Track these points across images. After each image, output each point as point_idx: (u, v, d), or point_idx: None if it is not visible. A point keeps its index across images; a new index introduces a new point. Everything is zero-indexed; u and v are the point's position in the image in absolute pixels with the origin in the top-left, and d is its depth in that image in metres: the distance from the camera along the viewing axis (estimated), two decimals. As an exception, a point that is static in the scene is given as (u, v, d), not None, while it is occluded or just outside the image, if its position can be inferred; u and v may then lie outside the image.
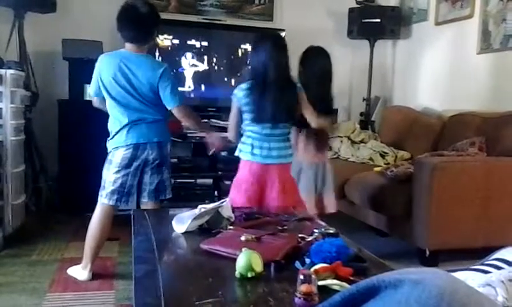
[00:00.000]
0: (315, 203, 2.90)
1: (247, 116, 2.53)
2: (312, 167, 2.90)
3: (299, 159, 2.87)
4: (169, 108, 2.63)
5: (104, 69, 2.59)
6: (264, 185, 2.52)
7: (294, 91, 2.53)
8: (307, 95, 2.60)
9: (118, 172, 2.60)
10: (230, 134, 2.63)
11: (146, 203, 2.70)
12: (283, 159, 2.55)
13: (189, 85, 4.29)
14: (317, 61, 2.88)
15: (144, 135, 2.59)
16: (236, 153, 2.60)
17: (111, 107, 2.63)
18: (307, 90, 2.63)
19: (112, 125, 2.64)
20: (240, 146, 2.58)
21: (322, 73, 2.86)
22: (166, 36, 4.20)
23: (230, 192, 2.60)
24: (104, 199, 2.64)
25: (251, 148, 2.51)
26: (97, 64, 2.63)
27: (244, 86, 2.54)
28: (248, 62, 2.58)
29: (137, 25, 2.58)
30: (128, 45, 2.62)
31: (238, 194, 2.52)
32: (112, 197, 2.61)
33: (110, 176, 2.61)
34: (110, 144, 2.65)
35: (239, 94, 2.53)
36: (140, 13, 2.57)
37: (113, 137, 2.63)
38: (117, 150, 2.60)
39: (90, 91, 2.73)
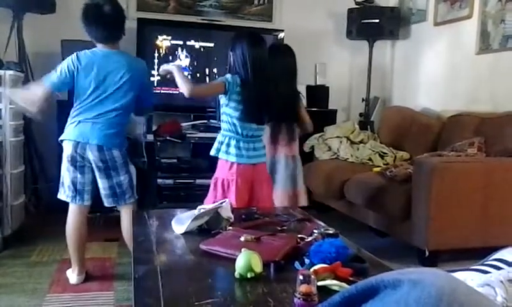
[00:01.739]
0: (288, 197, 2.94)
1: (233, 113, 2.45)
2: (284, 162, 2.94)
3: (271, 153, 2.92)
4: (149, 105, 2.86)
5: (95, 66, 2.54)
6: (252, 185, 2.51)
7: (273, 91, 2.51)
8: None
9: (67, 168, 2.57)
10: (193, 87, 2.45)
11: (120, 208, 2.70)
12: (263, 158, 2.58)
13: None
14: (282, 59, 2.89)
15: (84, 135, 2.53)
16: (213, 153, 2.51)
17: (78, 97, 2.57)
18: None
19: (72, 113, 2.61)
20: (222, 147, 2.49)
21: (287, 71, 2.89)
22: (165, 36, 4.19)
23: (210, 193, 2.52)
24: (62, 195, 2.62)
25: (236, 149, 2.45)
26: (74, 61, 2.53)
27: (237, 79, 2.43)
28: (230, 61, 2.50)
29: (106, 24, 2.54)
30: (100, 45, 2.59)
31: (223, 195, 2.45)
32: (69, 194, 2.60)
33: (62, 172, 2.61)
34: (63, 134, 2.62)
35: (234, 80, 2.42)
36: (105, 12, 2.52)
37: (67, 126, 2.60)
38: (64, 144, 2.59)
39: (49, 82, 2.51)
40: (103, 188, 2.62)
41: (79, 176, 2.56)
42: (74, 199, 2.60)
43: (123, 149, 2.66)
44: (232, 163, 2.46)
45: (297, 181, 2.99)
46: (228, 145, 2.47)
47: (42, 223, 3.68)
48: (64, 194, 2.61)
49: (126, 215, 2.67)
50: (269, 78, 2.50)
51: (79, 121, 2.55)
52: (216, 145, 2.51)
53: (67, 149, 2.56)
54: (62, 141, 2.59)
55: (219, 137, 2.52)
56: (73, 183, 2.57)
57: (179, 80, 2.45)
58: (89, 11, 2.54)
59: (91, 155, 2.54)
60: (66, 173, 2.58)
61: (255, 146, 2.51)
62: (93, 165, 2.57)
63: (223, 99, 2.47)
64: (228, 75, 2.46)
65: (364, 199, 3.41)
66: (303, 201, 3.01)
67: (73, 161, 2.54)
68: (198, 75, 4.32)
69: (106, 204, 2.68)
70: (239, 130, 2.46)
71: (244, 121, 2.44)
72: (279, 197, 2.86)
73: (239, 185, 2.44)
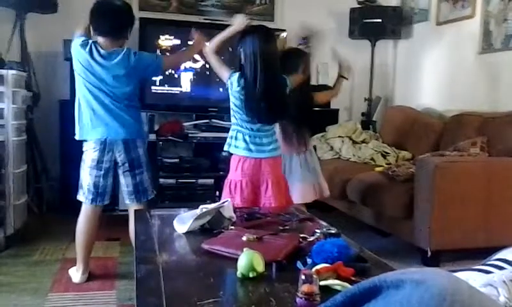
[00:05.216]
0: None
1: (238, 111, 2.44)
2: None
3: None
4: (158, 73, 2.73)
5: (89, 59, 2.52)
6: (257, 181, 2.48)
7: (284, 87, 2.48)
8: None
9: (89, 172, 2.57)
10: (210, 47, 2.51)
11: (129, 205, 2.68)
12: (274, 153, 2.51)
13: (190, 85, 4.29)
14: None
15: (107, 132, 2.53)
16: (226, 148, 2.50)
17: (82, 89, 2.56)
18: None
19: (82, 113, 2.58)
20: (231, 141, 2.49)
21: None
22: (167, 36, 4.19)
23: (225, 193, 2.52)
24: (81, 197, 2.62)
25: (245, 144, 2.44)
26: (82, 48, 2.52)
27: (238, 77, 2.40)
28: (239, 54, 2.44)
29: (111, 15, 2.55)
30: (101, 39, 2.56)
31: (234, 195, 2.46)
32: (88, 197, 2.59)
33: (83, 174, 2.60)
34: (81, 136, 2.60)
35: (234, 81, 2.40)
36: (114, 4, 2.57)
37: (81, 127, 2.58)
38: (86, 144, 2.58)
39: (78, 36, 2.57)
40: (126, 185, 2.63)
41: (102, 180, 2.57)
42: (94, 201, 2.59)
43: (145, 140, 2.69)
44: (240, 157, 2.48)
45: (294, 178, 2.98)
46: (237, 139, 2.47)
47: (44, 222, 3.69)
48: (83, 195, 2.60)
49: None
50: (278, 76, 2.46)
51: (97, 117, 2.53)
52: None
53: (90, 152, 2.55)
54: (84, 143, 2.58)
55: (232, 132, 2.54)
56: (96, 186, 2.57)
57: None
58: (100, 4, 2.57)
59: (119, 154, 2.55)
60: (88, 176, 2.57)
61: (263, 141, 2.48)
62: (119, 166, 2.58)
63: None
64: (235, 75, 2.41)
65: (366, 198, 3.41)
66: (302, 198, 3.00)
67: (98, 166, 2.55)
68: (199, 72, 4.32)
69: (127, 202, 2.68)
70: (244, 124, 2.46)
71: (247, 121, 2.44)
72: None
73: (243, 183, 2.48)
